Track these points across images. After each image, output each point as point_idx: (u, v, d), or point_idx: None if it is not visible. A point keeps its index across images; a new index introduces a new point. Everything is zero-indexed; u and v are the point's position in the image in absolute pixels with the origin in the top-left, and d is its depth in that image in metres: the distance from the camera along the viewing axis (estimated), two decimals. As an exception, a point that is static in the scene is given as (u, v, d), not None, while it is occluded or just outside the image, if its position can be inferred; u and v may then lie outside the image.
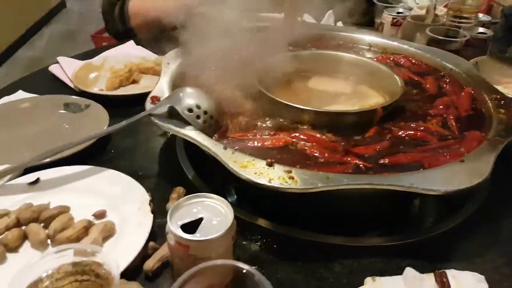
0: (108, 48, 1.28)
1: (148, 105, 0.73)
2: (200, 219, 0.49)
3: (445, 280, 0.54)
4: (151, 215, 0.62)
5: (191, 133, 0.67)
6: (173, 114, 0.70)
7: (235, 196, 0.78)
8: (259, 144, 0.70)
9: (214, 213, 0.50)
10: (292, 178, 0.57)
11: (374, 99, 0.88)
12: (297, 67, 0.94)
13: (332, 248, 0.64)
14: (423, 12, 1.34)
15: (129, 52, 1.26)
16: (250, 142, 0.70)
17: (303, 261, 0.61)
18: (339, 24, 1.48)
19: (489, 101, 0.80)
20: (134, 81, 1.10)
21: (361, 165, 0.65)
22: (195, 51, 0.96)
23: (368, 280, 0.56)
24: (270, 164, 0.59)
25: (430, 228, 0.70)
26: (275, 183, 0.56)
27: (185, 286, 0.42)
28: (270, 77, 0.90)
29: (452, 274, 0.57)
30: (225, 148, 0.63)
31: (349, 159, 0.66)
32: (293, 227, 0.67)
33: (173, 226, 0.48)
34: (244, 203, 0.76)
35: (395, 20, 1.32)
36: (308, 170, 0.60)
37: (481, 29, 1.23)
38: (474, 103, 0.83)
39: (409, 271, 0.55)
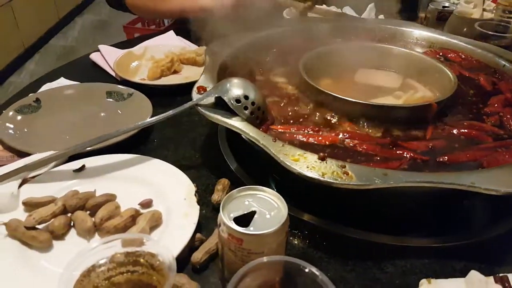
0: (147, 38, 1.28)
1: (195, 95, 0.72)
2: (253, 212, 0.48)
3: (507, 285, 0.51)
4: (198, 206, 0.61)
5: (240, 124, 0.65)
6: (219, 105, 0.69)
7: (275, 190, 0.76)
8: (303, 139, 0.68)
9: (267, 207, 0.49)
10: (347, 173, 0.55)
11: (422, 94, 0.85)
12: (343, 60, 0.92)
13: (382, 248, 0.61)
14: (470, 6, 1.28)
15: (169, 42, 1.26)
16: (295, 136, 0.68)
17: (353, 259, 0.59)
18: (381, 17, 1.44)
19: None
20: (175, 71, 1.10)
21: (418, 160, 0.62)
22: (239, 42, 0.96)
23: (423, 281, 0.54)
24: (322, 158, 0.57)
25: (486, 229, 0.66)
26: (329, 178, 0.54)
27: (242, 281, 0.40)
28: (316, 69, 0.88)
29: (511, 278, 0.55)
30: (274, 140, 0.61)
31: (404, 153, 0.64)
32: (340, 224, 0.65)
33: (226, 218, 0.46)
34: (292, 197, 0.74)
35: (441, 14, 1.26)
36: (363, 166, 0.57)
37: (533, 25, 1.16)
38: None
39: (474, 274, 0.52)
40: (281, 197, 0.50)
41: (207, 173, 0.74)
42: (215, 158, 0.78)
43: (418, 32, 1.04)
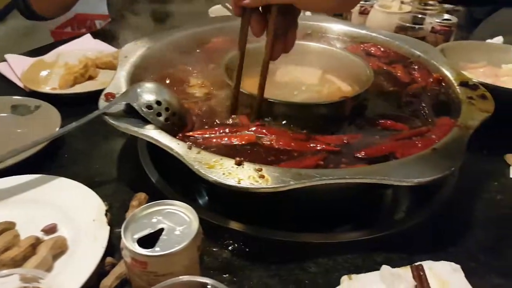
0: (63, 43, 1.20)
1: (102, 103, 0.67)
2: (160, 230, 0.44)
3: (422, 274, 0.52)
4: (108, 227, 0.56)
5: (151, 133, 0.61)
6: (131, 112, 0.65)
7: (207, 198, 0.74)
8: (222, 142, 0.65)
9: (177, 222, 0.46)
10: (263, 176, 0.53)
11: (342, 89, 0.86)
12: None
13: (306, 247, 0.60)
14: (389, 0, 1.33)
15: (86, 47, 1.18)
16: (213, 140, 0.66)
17: (277, 263, 0.57)
18: (308, 13, 1.45)
19: (457, 87, 0.78)
20: (91, 77, 1.03)
21: (331, 151, 0.63)
22: (157, 42, 0.91)
23: (344, 278, 0.53)
24: (239, 163, 0.55)
25: (404, 219, 0.68)
26: (245, 184, 0.52)
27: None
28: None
29: (429, 266, 0.56)
30: (189, 147, 0.58)
31: (318, 147, 0.63)
32: (265, 227, 0.63)
33: (128, 241, 0.42)
34: (216, 204, 0.72)
35: (362, 9, 1.29)
36: (279, 167, 0.56)
37: (446, 16, 1.22)
38: (443, 90, 0.82)
39: (385, 268, 0.52)
40: (192, 209, 0.48)
41: (124, 188, 0.70)
42: (134, 171, 0.73)
43: (340, 27, 1.05)
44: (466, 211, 0.70)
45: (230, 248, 0.59)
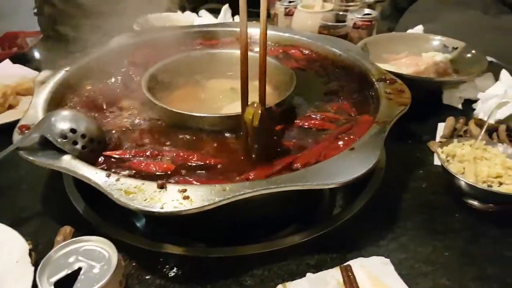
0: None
1: (16, 136, 0.64)
2: (78, 270, 0.43)
3: (350, 274, 0.54)
4: (32, 268, 0.53)
5: (67, 164, 0.59)
6: (47, 143, 0.62)
7: (137, 223, 0.72)
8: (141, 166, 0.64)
9: (96, 259, 0.44)
10: (187, 197, 0.53)
11: (269, 94, 0.87)
12: (190, 70, 0.90)
13: (242, 260, 0.61)
14: (312, -1, 1.35)
15: (5, 73, 1.11)
16: (136, 163, 0.64)
17: (213, 281, 0.57)
18: (237, 18, 1.46)
19: (376, 83, 0.81)
20: (11, 106, 0.98)
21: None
22: (78, 63, 0.88)
23: (279, 287, 0.54)
24: (161, 186, 0.55)
25: (336, 216, 0.70)
26: (169, 208, 0.52)
27: None
28: (162, 84, 0.85)
29: (360, 263, 0.58)
30: (108, 175, 0.56)
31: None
32: (200, 247, 0.63)
33: (44, 285, 0.41)
34: (147, 228, 0.71)
35: (287, 10, 1.31)
36: (204, 185, 0.56)
37: (367, 11, 1.26)
38: (365, 86, 0.85)
39: (309, 275, 0.54)
40: (111, 243, 0.47)
41: (50, 222, 0.67)
42: (60, 202, 0.71)
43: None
44: (395, 201, 0.72)
45: (164, 272, 0.58)
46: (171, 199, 0.53)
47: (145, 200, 0.53)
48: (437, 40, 1.19)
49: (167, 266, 0.59)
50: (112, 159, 0.65)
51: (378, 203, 0.71)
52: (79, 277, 0.42)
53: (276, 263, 0.60)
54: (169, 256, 0.61)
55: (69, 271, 0.43)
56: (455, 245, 0.63)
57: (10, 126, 0.87)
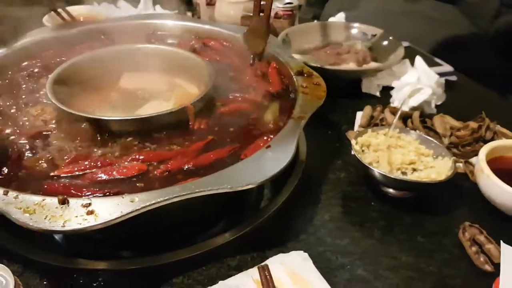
0: None
1: None
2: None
3: (267, 274, 0.54)
4: None
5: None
6: None
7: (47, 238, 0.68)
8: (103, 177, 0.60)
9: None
10: (91, 212, 0.50)
11: (190, 91, 0.85)
12: (104, 68, 0.85)
13: (161, 269, 0.59)
14: (233, -13, 1.33)
15: None
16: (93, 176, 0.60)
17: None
18: (158, 8, 1.40)
19: (294, 77, 0.82)
20: None
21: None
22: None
23: (199, 296, 0.54)
24: (63, 202, 0.51)
25: (257, 214, 0.69)
26: (71, 226, 0.48)
27: None
28: (70, 86, 0.79)
29: (280, 260, 0.59)
30: (5, 193, 0.52)
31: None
32: (115, 259, 0.60)
33: None
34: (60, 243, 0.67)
35: (209, 0, 1.28)
36: (110, 197, 0.53)
37: (287, 0, 1.27)
38: (284, 81, 0.85)
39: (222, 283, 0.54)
40: (6, 269, 0.43)
41: None
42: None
43: (182, 24, 1.03)
44: (315, 194, 0.74)
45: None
46: (75, 215, 0.49)
47: (46, 218, 0.49)
48: (356, 28, 1.23)
49: (81, 282, 0.57)
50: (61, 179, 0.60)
51: (298, 197, 0.72)
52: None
53: (196, 269, 0.59)
54: (83, 272, 0.58)
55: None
56: (371, 235, 0.66)
57: None
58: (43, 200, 0.51)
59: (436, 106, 0.97)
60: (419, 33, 1.43)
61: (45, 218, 0.49)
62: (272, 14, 1.21)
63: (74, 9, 1.23)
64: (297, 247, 0.62)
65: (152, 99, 0.82)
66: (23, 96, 0.79)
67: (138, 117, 0.71)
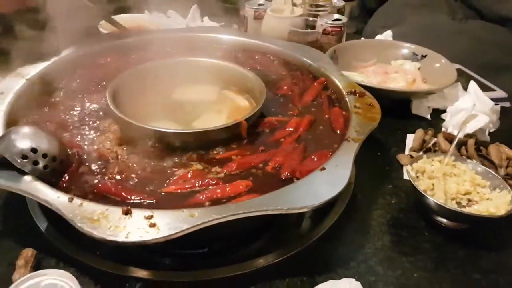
0: None
1: (-31, 160, 0.60)
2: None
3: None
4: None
5: (27, 186, 0.56)
6: (6, 162, 0.59)
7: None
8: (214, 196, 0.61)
9: (56, 295, 0.42)
10: (154, 225, 0.51)
11: (240, 104, 0.86)
12: (155, 80, 0.87)
13: (212, 284, 0.59)
14: (281, 2, 1.34)
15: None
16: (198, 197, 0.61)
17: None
18: (206, 19, 1.43)
19: (346, 96, 0.81)
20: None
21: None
22: (39, 72, 0.84)
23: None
24: (126, 212, 0.52)
25: (306, 236, 0.69)
26: (133, 237, 0.50)
27: None
28: (126, 95, 0.81)
29: (330, 286, 0.58)
30: (70, 200, 0.54)
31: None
32: (170, 270, 0.61)
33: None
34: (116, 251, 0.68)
35: (256, 13, 1.29)
36: (171, 211, 0.54)
37: (336, 16, 1.26)
38: (335, 99, 0.85)
39: None
40: (71, 276, 0.45)
41: (10, 243, 0.63)
42: (22, 222, 0.67)
43: (231, 38, 1.05)
44: (363, 219, 0.72)
45: (133, 298, 0.57)
46: (137, 227, 0.50)
47: (109, 228, 0.50)
48: (406, 48, 1.21)
49: (130, 290, 0.57)
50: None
51: (347, 221, 0.71)
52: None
53: (247, 287, 0.59)
54: (135, 280, 0.59)
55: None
56: (424, 267, 0.64)
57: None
58: (107, 209, 0.53)
59: (489, 133, 0.94)
60: (466, 53, 1.39)
61: (108, 228, 0.50)
62: (320, 30, 1.20)
63: (124, 18, 1.27)
64: (347, 275, 0.61)
65: (204, 112, 0.83)
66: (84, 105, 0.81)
67: (199, 130, 0.72)
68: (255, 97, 0.83)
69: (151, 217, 0.52)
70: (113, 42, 1.02)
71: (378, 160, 0.87)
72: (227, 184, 0.62)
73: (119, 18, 1.27)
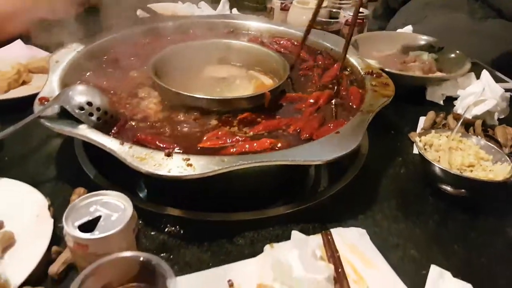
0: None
1: (37, 107, 0.71)
2: (98, 217, 0.50)
3: (330, 237, 0.62)
4: (52, 220, 0.61)
5: (85, 132, 0.66)
6: (65, 114, 0.69)
7: (144, 188, 0.80)
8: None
9: (113, 209, 0.52)
10: (191, 165, 0.60)
11: (265, 82, 0.94)
12: (190, 58, 0.96)
13: (235, 224, 0.68)
14: (308, -6, 1.42)
15: (17, 53, 1.18)
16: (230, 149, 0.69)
17: (209, 240, 0.65)
18: (234, 10, 1.53)
19: (363, 74, 0.89)
20: (25, 82, 1.04)
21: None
22: (87, 46, 0.95)
23: (266, 247, 0.62)
24: (168, 155, 0.62)
25: (320, 193, 0.77)
26: (174, 172, 0.59)
27: (86, 282, 0.43)
28: (165, 69, 0.91)
29: (338, 232, 0.65)
30: (122, 143, 0.64)
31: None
32: (199, 211, 0.70)
33: (69, 228, 0.48)
34: (153, 193, 0.79)
35: (283, 5, 1.39)
36: (205, 156, 0.63)
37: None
38: (353, 80, 0.93)
39: (295, 234, 0.62)
40: (126, 197, 0.54)
41: (64, 185, 0.74)
42: (73, 169, 0.78)
43: (259, 25, 1.15)
44: (373, 185, 0.80)
45: (166, 231, 0.66)
46: (177, 166, 0.60)
47: (154, 165, 0.60)
48: (424, 40, 1.27)
49: (168, 225, 0.67)
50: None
51: (358, 185, 0.78)
52: (99, 223, 0.50)
53: (264, 228, 0.67)
54: (171, 218, 0.68)
55: (90, 218, 0.50)
56: (426, 226, 0.71)
57: (25, 100, 0.95)
58: (151, 152, 0.62)
59: (499, 120, 1.00)
60: (485, 51, 1.44)
61: (153, 165, 0.60)
62: (343, 21, 1.28)
63: (159, 7, 1.38)
64: (355, 225, 0.68)
65: (233, 89, 0.92)
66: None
67: (228, 97, 0.82)
68: (280, 76, 0.90)
69: (188, 159, 0.61)
70: (152, 25, 1.12)
71: (391, 137, 0.95)
72: (254, 141, 0.71)
73: (154, 6, 1.39)
